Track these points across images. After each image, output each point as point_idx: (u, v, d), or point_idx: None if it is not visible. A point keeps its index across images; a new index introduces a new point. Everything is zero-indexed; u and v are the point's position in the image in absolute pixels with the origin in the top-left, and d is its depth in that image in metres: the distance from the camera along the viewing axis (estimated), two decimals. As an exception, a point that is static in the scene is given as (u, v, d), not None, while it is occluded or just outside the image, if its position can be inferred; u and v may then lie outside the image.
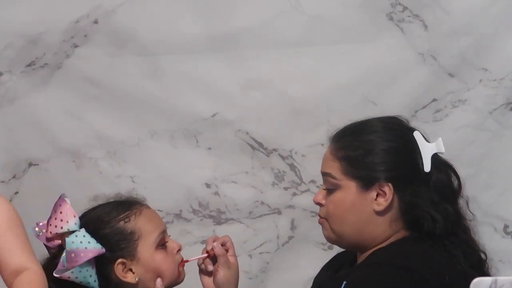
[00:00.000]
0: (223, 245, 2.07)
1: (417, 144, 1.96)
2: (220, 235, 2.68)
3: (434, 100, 2.69)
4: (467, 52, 2.66)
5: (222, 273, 2.05)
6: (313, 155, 2.71)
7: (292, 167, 2.73)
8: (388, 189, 1.93)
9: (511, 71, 2.66)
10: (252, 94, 2.71)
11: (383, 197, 1.94)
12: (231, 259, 2.06)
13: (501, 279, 1.43)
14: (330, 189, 1.98)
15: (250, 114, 2.72)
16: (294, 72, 2.70)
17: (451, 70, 2.67)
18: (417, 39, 2.67)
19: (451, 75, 2.68)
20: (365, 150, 1.95)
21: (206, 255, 2.05)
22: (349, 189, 1.95)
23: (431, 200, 1.94)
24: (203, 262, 2.07)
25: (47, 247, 1.97)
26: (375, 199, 1.94)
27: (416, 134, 1.98)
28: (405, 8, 2.67)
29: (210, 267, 2.06)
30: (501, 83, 2.66)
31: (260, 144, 2.73)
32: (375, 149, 1.95)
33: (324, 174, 2.00)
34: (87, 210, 2.01)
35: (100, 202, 2.02)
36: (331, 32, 2.68)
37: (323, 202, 2.00)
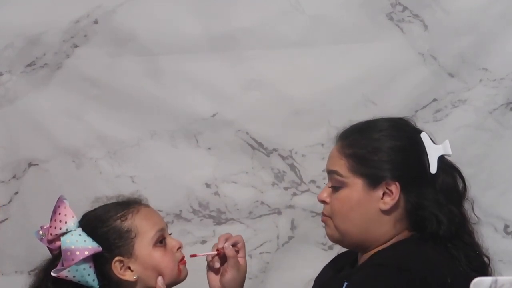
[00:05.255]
0: (234, 245, 2.07)
1: (424, 146, 1.96)
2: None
3: (434, 100, 2.69)
4: (467, 52, 2.66)
5: (230, 274, 2.05)
6: (313, 155, 2.71)
7: (292, 167, 2.73)
8: (395, 187, 1.93)
9: (511, 71, 2.66)
10: (252, 94, 2.71)
11: (390, 196, 1.94)
12: (240, 260, 2.07)
13: (501, 279, 1.43)
14: (336, 187, 1.98)
15: (250, 114, 2.72)
16: (294, 72, 2.70)
17: (451, 70, 2.67)
18: (417, 39, 2.67)
19: (451, 75, 2.68)
20: (372, 148, 1.95)
21: (216, 252, 2.05)
22: (356, 186, 1.95)
23: (437, 202, 1.94)
24: (212, 259, 2.07)
25: (50, 250, 1.98)
26: (382, 198, 1.94)
27: (423, 136, 1.97)
28: (405, 8, 2.67)
29: (218, 265, 2.07)
30: (501, 83, 2.66)
31: (260, 144, 2.73)
32: (383, 147, 1.95)
33: (330, 172, 1.99)
34: (87, 211, 2.02)
35: (101, 203, 2.03)
36: (331, 32, 2.68)
37: (327, 200, 2.00)
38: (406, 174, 1.94)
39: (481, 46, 2.65)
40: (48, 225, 1.97)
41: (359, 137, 1.98)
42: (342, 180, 1.96)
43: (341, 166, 1.96)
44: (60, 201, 1.96)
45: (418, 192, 1.94)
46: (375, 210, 1.95)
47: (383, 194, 1.94)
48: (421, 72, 2.68)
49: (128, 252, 1.95)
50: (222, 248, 2.05)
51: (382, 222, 1.95)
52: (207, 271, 2.10)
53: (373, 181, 1.94)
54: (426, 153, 1.96)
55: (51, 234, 1.95)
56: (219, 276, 2.08)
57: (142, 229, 1.97)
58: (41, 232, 1.99)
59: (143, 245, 1.96)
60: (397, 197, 1.93)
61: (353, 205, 1.95)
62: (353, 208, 1.95)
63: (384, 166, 1.94)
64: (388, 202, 1.94)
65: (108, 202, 2.04)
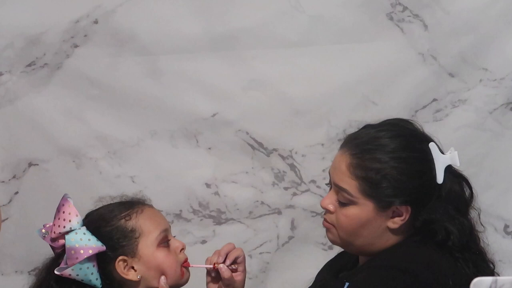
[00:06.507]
0: (234, 260, 2.05)
1: (432, 157, 1.94)
2: (220, 235, 2.69)
3: (434, 100, 2.69)
4: (467, 52, 2.66)
5: None
6: (313, 155, 2.71)
7: (292, 167, 2.73)
8: (405, 210, 1.92)
9: (511, 71, 2.66)
10: (252, 94, 2.71)
11: (400, 216, 1.93)
12: (238, 276, 2.05)
13: (501, 279, 1.43)
14: (344, 203, 1.95)
15: (250, 114, 2.72)
16: (294, 72, 2.70)
17: (451, 70, 2.67)
18: (417, 39, 2.67)
19: (451, 75, 2.68)
20: (385, 173, 1.91)
21: (211, 266, 2.05)
22: (366, 207, 1.93)
23: (447, 214, 1.92)
24: (213, 270, 2.07)
25: (53, 248, 1.98)
26: (391, 217, 1.93)
27: (432, 146, 1.95)
28: (405, 8, 2.67)
29: (213, 274, 2.06)
30: (501, 83, 2.66)
31: (260, 144, 2.73)
32: (394, 173, 1.91)
33: (339, 188, 1.95)
34: (91, 211, 2.02)
35: (104, 203, 2.04)
36: (331, 32, 2.68)
37: (331, 209, 1.97)
38: (417, 198, 1.92)
39: (481, 46, 2.65)
40: (51, 223, 1.97)
41: (371, 158, 1.93)
42: (351, 199, 1.94)
43: (352, 186, 1.93)
44: (64, 199, 1.96)
45: (427, 209, 1.92)
46: (383, 228, 1.94)
47: (393, 212, 1.93)
48: (421, 72, 2.68)
49: (132, 251, 1.95)
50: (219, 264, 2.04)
51: (389, 237, 1.95)
52: (207, 282, 2.09)
53: (384, 205, 1.92)
54: (434, 164, 1.94)
55: (54, 232, 1.95)
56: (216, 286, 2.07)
57: (146, 229, 1.97)
58: (43, 230, 2.00)
59: (147, 245, 1.96)
60: (407, 218, 1.93)
61: (361, 223, 1.93)
62: (362, 226, 1.93)
63: (395, 192, 1.91)
64: (398, 222, 1.93)
65: (112, 202, 2.04)
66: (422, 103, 2.68)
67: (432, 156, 1.94)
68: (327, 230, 2.01)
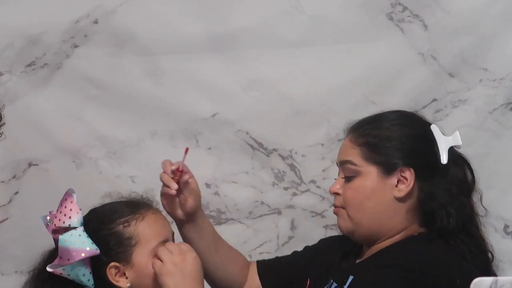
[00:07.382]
0: (179, 170, 2.12)
1: (435, 137, 1.98)
2: (221, 235, 2.69)
3: (434, 100, 2.69)
4: (467, 52, 2.66)
5: (192, 202, 2.12)
6: (313, 155, 2.71)
7: (292, 167, 2.73)
8: (409, 174, 1.94)
9: (511, 71, 2.66)
10: (252, 94, 2.71)
11: (404, 183, 1.95)
12: (192, 181, 2.12)
13: (501, 279, 1.43)
14: (349, 177, 1.98)
15: (250, 114, 2.72)
16: (294, 72, 2.70)
17: (451, 70, 2.67)
18: (417, 39, 2.67)
19: (451, 75, 2.68)
20: (385, 136, 1.97)
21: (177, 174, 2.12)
22: (370, 175, 1.96)
23: (448, 193, 1.94)
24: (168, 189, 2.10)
25: (54, 240, 1.98)
26: (396, 186, 1.95)
27: (433, 127, 2.00)
28: (405, 8, 2.67)
29: (176, 187, 2.10)
30: (501, 83, 2.66)
31: (260, 144, 2.73)
32: (395, 135, 1.97)
33: (343, 163, 2.00)
34: (96, 206, 2.02)
35: (114, 199, 2.03)
36: (331, 32, 2.68)
37: (340, 191, 2.00)
38: (419, 161, 1.96)
39: (481, 46, 2.65)
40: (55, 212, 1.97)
41: (370, 127, 2.00)
42: (355, 169, 1.97)
43: (354, 155, 1.98)
44: (68, 194, 1.95)
45: (431, 182, 1.95)
46: (389, 199, 1.95)
47: (398, 181, 1.95)
48: (421, 72, 2.68)
49: (125, 259, 1.94)
50: (181, 171, 2.10)
51: (396, 211, 1.95)
52: (165, 205, 2.14)
53: (387, 168, 1.95)
54: (437, 144, 1.97)
55: (55, 225, 1.95)
56: (178, 208, 2.13)
57: (144, 238, 1.96)
58: (48, 218, 2.00)
59: (143, 254, 1.94)
60: (411, 184, 1.94)
61: (367, 193, 1.96)
62: (368, 197, 1.96)
63: (397, 153, 1.96)
64: (403, 189, 1.95)
65: (121, 200, 2.03)
66: (422, 103, 2.68)
67: (432, 132, 1.98)
68: (338, 216, 2.03)
